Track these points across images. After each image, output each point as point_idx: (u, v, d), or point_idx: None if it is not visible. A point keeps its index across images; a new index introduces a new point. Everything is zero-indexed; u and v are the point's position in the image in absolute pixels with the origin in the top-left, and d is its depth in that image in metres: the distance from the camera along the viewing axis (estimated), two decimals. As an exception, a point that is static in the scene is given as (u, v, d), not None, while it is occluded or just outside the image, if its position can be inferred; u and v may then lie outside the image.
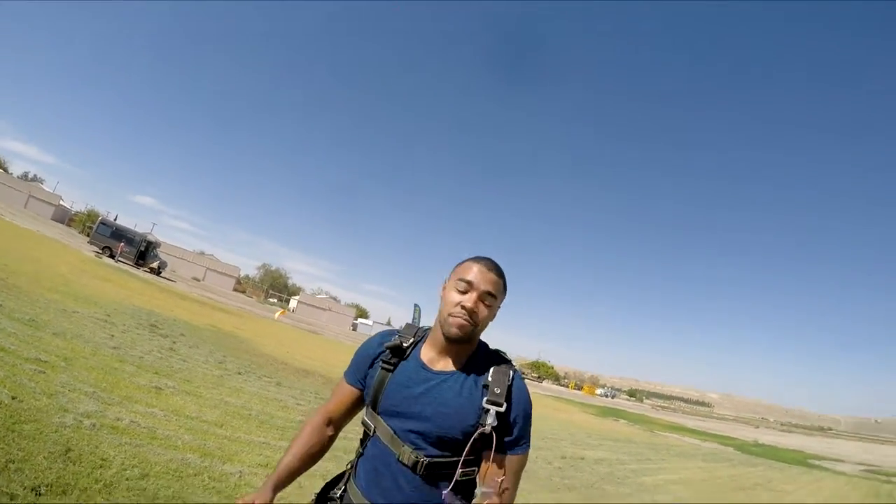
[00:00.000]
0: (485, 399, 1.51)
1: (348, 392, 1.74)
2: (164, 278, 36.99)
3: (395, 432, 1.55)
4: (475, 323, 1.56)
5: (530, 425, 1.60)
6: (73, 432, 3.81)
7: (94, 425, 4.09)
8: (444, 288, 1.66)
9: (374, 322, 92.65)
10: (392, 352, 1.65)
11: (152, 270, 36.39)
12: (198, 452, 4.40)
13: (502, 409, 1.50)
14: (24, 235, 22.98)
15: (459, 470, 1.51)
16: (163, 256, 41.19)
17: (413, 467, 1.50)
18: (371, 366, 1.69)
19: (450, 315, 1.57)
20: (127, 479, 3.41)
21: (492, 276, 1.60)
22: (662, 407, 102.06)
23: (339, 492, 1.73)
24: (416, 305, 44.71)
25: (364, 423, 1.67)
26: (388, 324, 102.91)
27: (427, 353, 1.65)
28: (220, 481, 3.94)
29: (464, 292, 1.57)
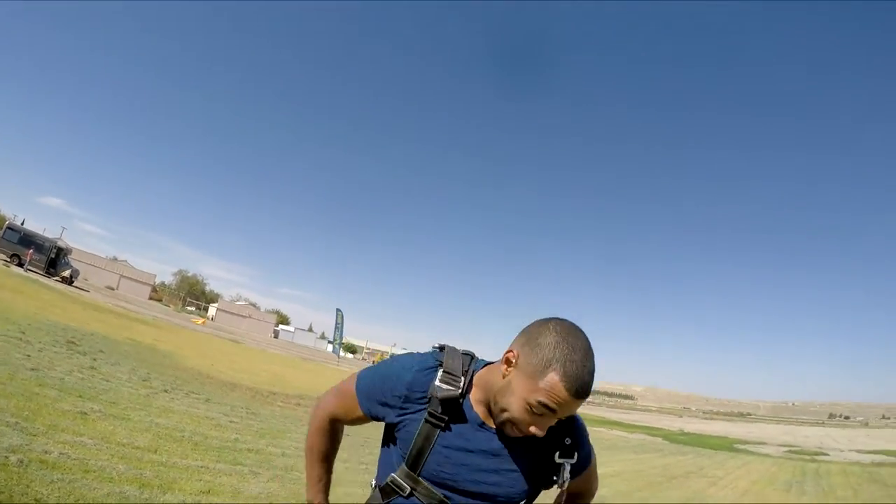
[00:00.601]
0: (556, 454, 1.31)
1: (357, 412, 1.42)
2: (77, 287, 34.83)
3: (447, 498, 1.27)
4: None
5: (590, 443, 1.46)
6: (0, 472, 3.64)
7: (21, 461, 3.91)
8: (514, 364, 1.24)
9: (295, 328, 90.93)
10: (444, 405, 1.27)
11: (64, 280, 34.18)
12: (135, 483, 4.29)
13: (574, 461, 1.34)
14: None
15: None
16: (74, 264, 38.82)
17: None
18: (403, 409, 1.32)
19: (510, 422, 1.24)
20: (65, 520, 3.30)
21: (581, 402, 1.22)
22: (587, 402, 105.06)
23: None
24: (338, 311, 44.08)
25: (393, 482, 1.32)
26: (310, 329, 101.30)
27: (479, 405, 1.32)
28: (162, 513, 3.86)
29: (540, 415, 1.20)
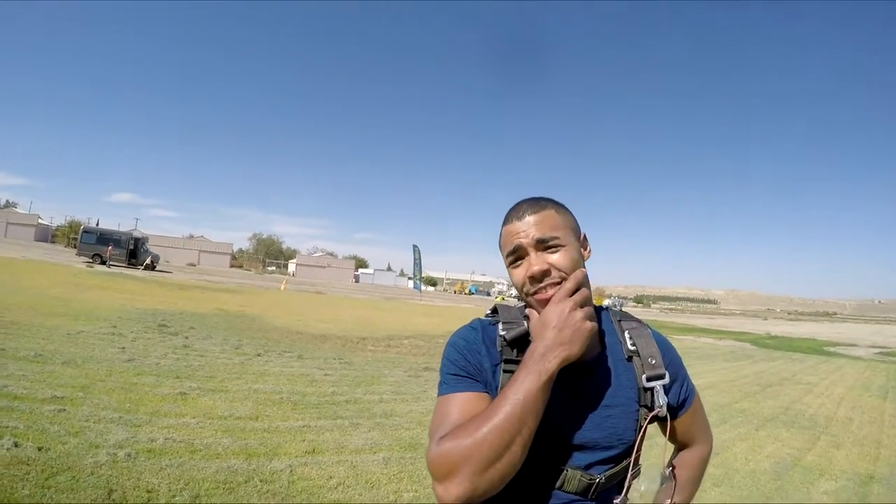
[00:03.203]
0: (644, 377, 1.16)
1: (476, 401, 1.08)
2: (160, 271, 36.78)
3: (548, 457, 1.11)
4: (561, 278, 1.09)
5: (685, 369, 1.30)
6: (110, 469, 3.67)
7: (129, 455, 3.95)
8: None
9: (374, 270, 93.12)
10: (515, 345, 1.14)
11: (147, 267, 36.15)
12: (241, 455, 4.29)
13: (667, 381, 1.18)
14: (9, 265, 22.46)
15: (629, 474, 1.17)
16: (153, 250, 40.81)
17: (584, 492, 1.11)
18: (492, 371, 1.14)
19: (529, 296, 1.13)
20: (178, 507, 3.29)
21: (530, 219, 1.13)
22: (671, 309, 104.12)
23: None
24: (415, 247, 44.53)
25: None
26: (389, 269, 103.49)
27: None
28: (271, 482, 3.84)
29: (518, 262, 1.14)
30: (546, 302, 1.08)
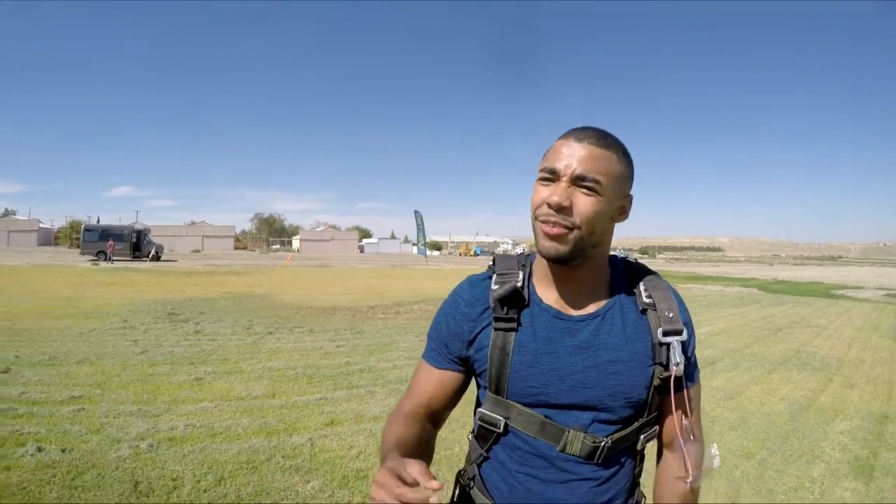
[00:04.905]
0: (659, 331, 1.05)
1: (439, 381, 1.14)
2: (166, 261, 36.98)
3: (548, 418, 1.05)
4: (573, 225, 0.99)
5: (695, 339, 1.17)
6: (133, 462, 3.73)
7: (151, 446, 4.01)
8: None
9: (378, 239, 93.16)
10: (505, 302, 1.07)
11: (152, 258, 36.35)
12: (261, 434, 4.36)
13: (685, 338, 1.07)
14: (15, 273, 22.55)
15: (642, 437, 1.10)
16: (156, 241, 40.96)
17: (590, 456, 1.04)
18: (474, 334, 1.10)
19: (535, 220, 1.03)
20: (205, 492, 3.35)
21: (587, 149, 0.99)
22: (676, 259, 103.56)
23: None
24: (416, 212, 44.49)
25: (483, 418, 1.11)
26: (393, 237, 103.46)
27: (548, 294, 1.11)
28: (293, 457, 3.91)
29: (548, 181, 1.02)
30: (545, 235, 1.00)
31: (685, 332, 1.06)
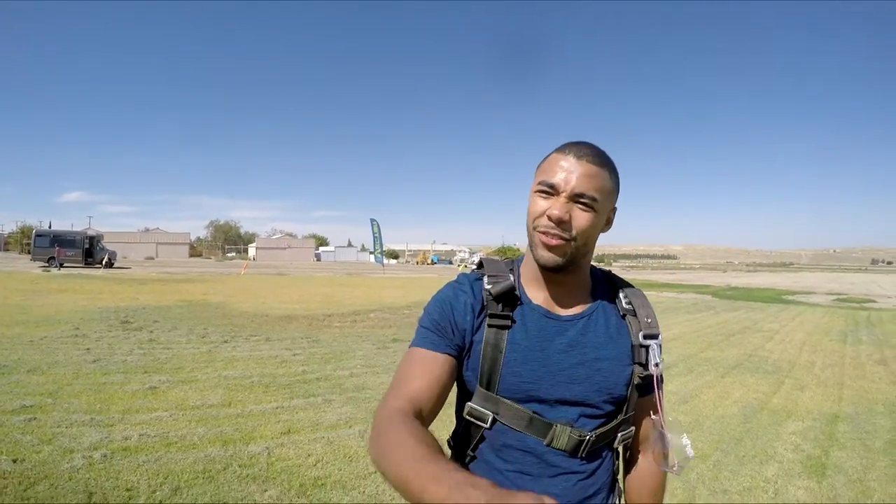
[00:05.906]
0: (640, 334, 1.16)
1: (439, 364, 1.09)
2: (119, 268, 36.03)
3: (536, 413, 1.11)
4: (570, 237, 1.08)
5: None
6: (87, 472, 3.73)
7: (104, 456, 4.02)
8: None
9: (335, 247, 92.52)
10: (500, 300, 1.14)
11: (105, 265, 35.38)
12: (218, 443, 4.40)
13: (660, 342, 1.17)
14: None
15: (620, 435, 1.19)
16: (109, 246, 39.90)
17: (574, 450, 1.11)
18: (474, 326, 1.14)
19: (535, 231, 1.11)
20: (161, 502, 3.39)
21: (585, 167, 1.07)
22: (632, 267, 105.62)
23: None
24: (373, 220, 44.26)
25: (472, 413, 1.13)
26: (350, 245, 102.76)
27: (537, 295, 1.19)
28: (250, 466, 3.97)
29: (546, 194, 1.10)
30: (543, 245, 1.09)
31: (660, 338, 1.18)
